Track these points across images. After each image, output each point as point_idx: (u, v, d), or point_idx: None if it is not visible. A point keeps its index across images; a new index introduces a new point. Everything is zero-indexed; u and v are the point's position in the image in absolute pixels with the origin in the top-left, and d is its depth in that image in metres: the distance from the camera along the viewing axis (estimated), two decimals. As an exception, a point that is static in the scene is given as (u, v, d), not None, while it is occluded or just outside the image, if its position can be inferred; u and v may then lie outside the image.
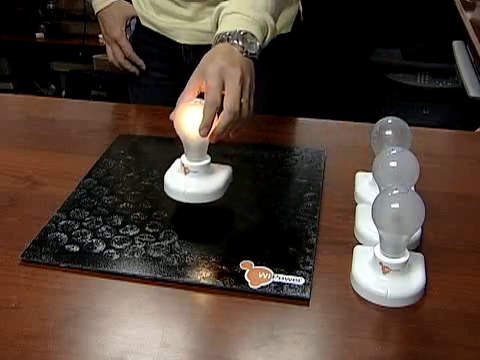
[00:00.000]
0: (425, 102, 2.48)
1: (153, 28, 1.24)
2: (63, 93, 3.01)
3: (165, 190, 0.83)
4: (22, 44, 2.97)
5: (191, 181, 0.82)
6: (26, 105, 1.30)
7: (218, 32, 0.84)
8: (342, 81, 2.73)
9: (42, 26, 2.93)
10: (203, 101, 0.79)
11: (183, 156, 0.83)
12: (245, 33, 0.82)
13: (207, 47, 1.04)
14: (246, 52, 0.81)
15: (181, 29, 1.19)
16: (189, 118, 0.79)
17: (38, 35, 2.95)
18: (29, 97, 1.86)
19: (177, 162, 0.85)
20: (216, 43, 0.83)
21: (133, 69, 1.29)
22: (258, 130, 1.12)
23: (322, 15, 2.62)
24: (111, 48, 1.29)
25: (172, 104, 1.03)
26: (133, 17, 1.28)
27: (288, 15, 1.20)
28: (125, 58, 1.28)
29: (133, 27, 1.32)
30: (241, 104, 0.77)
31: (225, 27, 0.83)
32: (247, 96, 0.79)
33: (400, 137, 0.84)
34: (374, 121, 0.88)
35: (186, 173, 0.82)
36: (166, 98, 1.19)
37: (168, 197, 0.82)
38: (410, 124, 0.87)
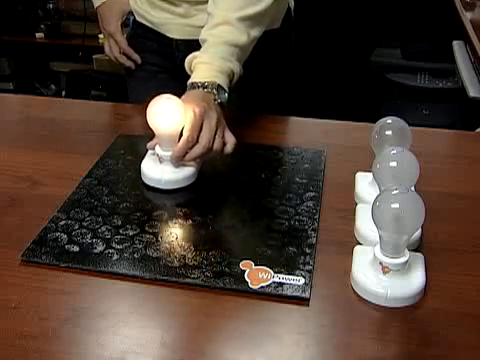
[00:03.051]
0: (425, 102, 2.48)
1: (147, 23, 1.27)
2: (63, 93, 3.01)
3: (143, 179, 0.92)
4: (22, 44, 2.97)
5: (166, 169, 0.91)
6: (26, 105, 1.30)
7: (195, 80, 0.97)
8: (342, 81, 2.73)
9: (42, 26, 2.93)
10: (173, 97, 0.90)
11: (157, 146, 0.92)
12: (219, 85, 0.96)
13: (197, 42, 1.06)
14: (217, 100, 0.95)
15: (173, 24, 1.22)
16: (160, 112, 0.89)
17: (38, 35, 2.94)
18: (29, 97, 1.86)
19: (151, 152, 0.94)
20: (193, 88, 0.96)
21: (128, 63, 1.32)
22: (258, 130, 1.12)
23: (322, 15, 2.63)
24: (108, 42, 1.33)
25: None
26: (129, 12, 1.30)
27: (278, 10, 1.23)
28: (121, 52, 1.31)
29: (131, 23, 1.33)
30: (215, 139, 0.91)
31: (201, 76, 0.97)
32: (221, 134, 0.92)
33: (400, 137, 0.84)
34: (374, 121, 0.88)
35: (161, 162, 0.91)
36: (156, 91, 1.21)
37: (146, 186, 0.91)
38: (410, 124, 0.87)
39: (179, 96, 0.97)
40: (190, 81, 0.97)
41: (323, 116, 1.18)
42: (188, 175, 0.91)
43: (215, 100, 0.94)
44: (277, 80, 1.31)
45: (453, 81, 2.37)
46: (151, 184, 0.91)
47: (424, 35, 2.55)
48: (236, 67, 1.00)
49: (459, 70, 1.70)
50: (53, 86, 3.10)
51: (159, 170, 0.91)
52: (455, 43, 1.86)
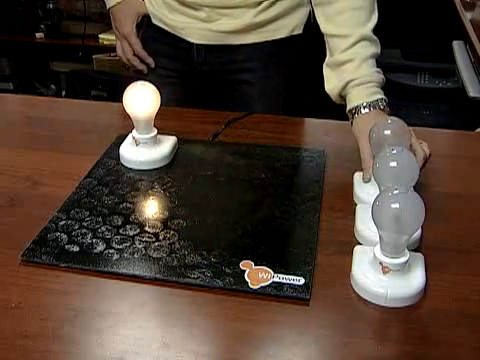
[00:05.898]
0: (425, 102, 2.48)
1: (164, 27, 1.24)
2: (63, 93, 3.01)
3: (121, 161, 0.99)
4: (22, 44, 2.96)
5: (142, 151, 0.98)
6: (26, 105, 1.30)
7: (373, 99, 0.96)
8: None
9: (42, 26, 2.92)
10: (147, 83, 0.97)
11: (134, 130, 0.99)
12: (385, 100, 0.98)
13: (219, 47, 1.07)
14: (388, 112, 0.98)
15: (194, 28, 1.20)
16: (137, 98, 0.96)
17: (38, 35, 2.94)
18: (29, 97, 1.86)
19: (129, 137, 1.00)
20: (370, 108, 0.96)
21: (141, 66, 1.30)
22: (258, 130, 1.12)
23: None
24: (121, 44, 1.31)
25: (174, 102, 1.05)
26: (145, 14, 1.28)
27: (300, 15, 1.22)
28: (134, 55, 1.29)
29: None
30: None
31: (373, 96, 0.97)
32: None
33: (400, 137, 0.84)
34: (374, 121, 0.88)
35: (137, 145, 0.98)
36: (169, 96, 1.21)
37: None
38: (410, 124, 0.87)
39: (188, 101, 0.99)
40: (359, 102, 0.97)
41: (323, 116, 1.18)
42: (163, 156, 0.98)
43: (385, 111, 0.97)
44: (299, 83, 1.31)
45: (453, 81, 2.37)
46: (128, 165, 0.97)
47: (424, 35, 2.54)
48: (382, 75, 1.03)
49: (459, 70, 1.70)
50: (53, 86, 3.10)
51: (136, 152, 0.98)
52: (455, 43, 1.86)
